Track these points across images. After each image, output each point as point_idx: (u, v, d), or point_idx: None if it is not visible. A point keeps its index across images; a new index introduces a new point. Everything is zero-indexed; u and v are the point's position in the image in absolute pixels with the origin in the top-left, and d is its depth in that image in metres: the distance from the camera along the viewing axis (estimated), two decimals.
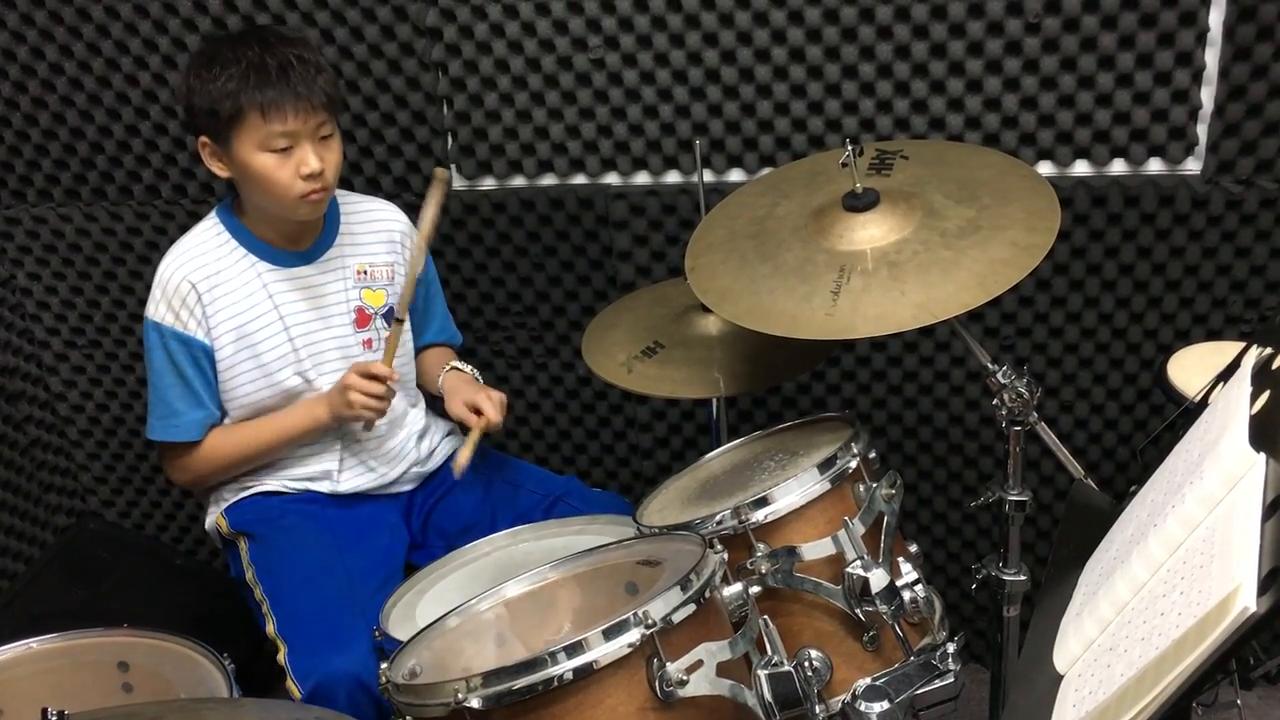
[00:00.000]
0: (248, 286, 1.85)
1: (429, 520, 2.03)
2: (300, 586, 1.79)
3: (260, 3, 2.18)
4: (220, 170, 1.80)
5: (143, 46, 2.25)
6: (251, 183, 1.78)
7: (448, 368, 2.03)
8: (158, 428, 1.88)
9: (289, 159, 1.75)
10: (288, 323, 1.88)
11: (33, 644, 1.62)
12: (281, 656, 1.70)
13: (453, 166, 2.27)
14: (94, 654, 1.62)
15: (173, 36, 2.23)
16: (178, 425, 1.87)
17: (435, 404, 2.09)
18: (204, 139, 1.78)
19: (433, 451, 2.06)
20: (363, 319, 1.94)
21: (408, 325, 1.98)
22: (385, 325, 1.97)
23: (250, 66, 1.71)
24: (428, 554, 1.93)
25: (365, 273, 1.95)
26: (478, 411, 1.90)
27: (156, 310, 1.84)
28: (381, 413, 1.84)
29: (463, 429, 1.95)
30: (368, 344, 1.95)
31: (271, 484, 1.95)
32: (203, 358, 1.85)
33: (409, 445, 2.01)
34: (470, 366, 2.04)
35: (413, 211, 2.06)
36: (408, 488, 2.04)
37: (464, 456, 1.83)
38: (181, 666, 1.57)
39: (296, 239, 1.89)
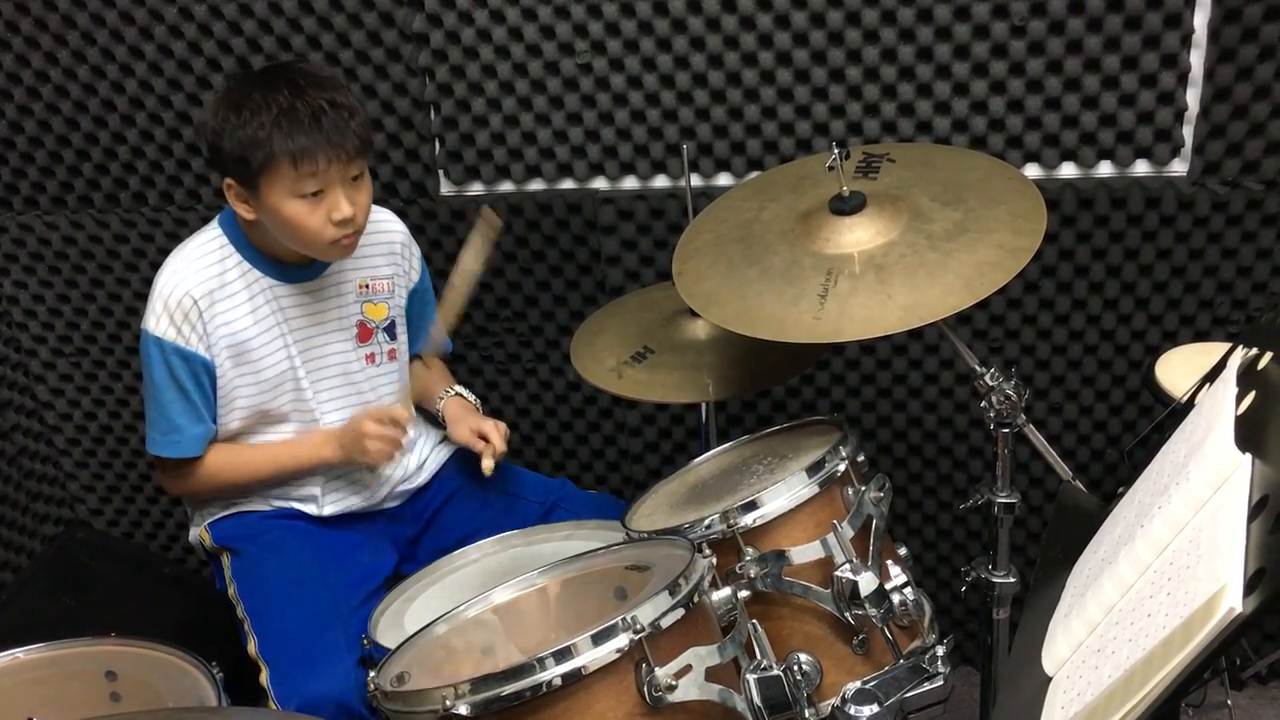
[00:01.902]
0: (251, 302, 1.82)
1: (422, 537, 2.02)
2: (281, 607, 1.77)
3: (247, 9, 2.17)
4: (246, 212, 1.75)
5: (128, 53, 2.24)
6: (280, 227, 1.74)
7: (451, 393, 2.01)
8: (160, 443, 1.84)
9: (320, 205, 1.70)
10: (289, 339, 1.85)
11: (19, 654, 1.61)
12: (264, 678, 1.69)
13: (440, 172, 2.27)
14: (81, 663, 1.61)
15: (158, 43, 2.22)
16: (180, 441, 1.83)
17: (425, 415, 2.08)
18: (229, 182, 1.73)
19: (421, 465, 2.03)
20: (364, 333, 1.93)
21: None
22: (387, 339, 1.95)
23: (281, 113, 1.66)
24: (418, 567, 1.92)
25: (367, 287, 1.92)
26: (483, 438, 1.91)
27: (158, 324, 1.78)
28: (393, 458, 1.84)
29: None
30: (370, 359, 1.93)
31: (257, 504, 1.93)
32: (203, 373, 1.81)
33: (393, 463, 1.97)
34: (473, 395, 2.03)
35: (399, 217, 2.06)
36: (393, 504, 2.02)
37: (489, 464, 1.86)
38: (169, 675, 1.56)
39: (300, 255, 1.84)
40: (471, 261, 1.79)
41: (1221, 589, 0.82)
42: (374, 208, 1.96)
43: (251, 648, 1.75)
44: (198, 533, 1.95)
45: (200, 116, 1.77)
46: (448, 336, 1.95)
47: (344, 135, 1.69)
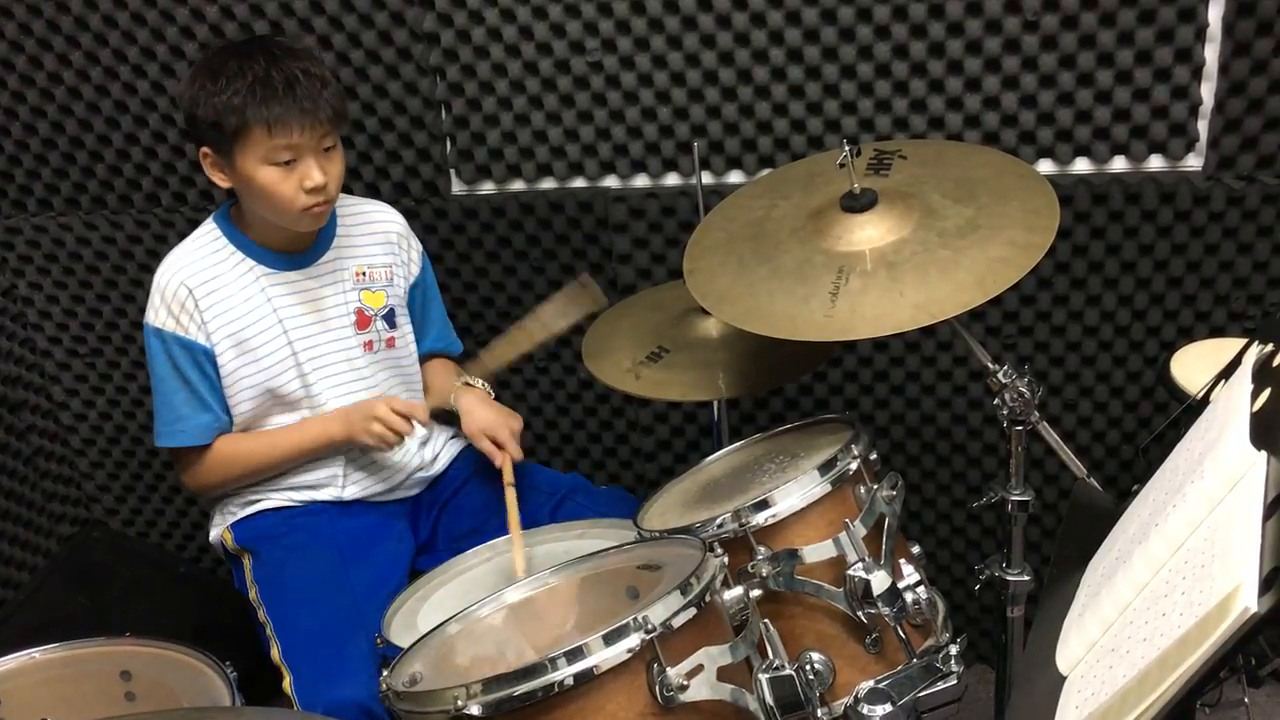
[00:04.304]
0: (245, 291, 1.85)
1: (438, 524, 2.03)
2: (304, 611, 1.78)
3: (257, 9, 2.18)
4: (221, 180, 1.80)
5: (140, 55, 2.25)
6: (254, 195, 1.78)
7: (461, 383, 2.03)
8: (165, 434, 1.88)
9: (292, 172, 1.75)
10: (287, 326, 1.88)
11: (35, 654, 1.62)
12: (287, 684, 1.69)
13: (452, 171, 2.27)
14: (97, 663, 1.62)
15: (170, 44, 2.23)
16: (184, 430, 1.87)
17: (438, 413, 2.08)
18: (205, 149, 1.78)
19: (436, 456, 2.06)
20: (363, 321, 1.94)
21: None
22: (386, 327, 1.96)
23: (256, 81, 1.70)
24: (435, 558, 1.92)
25: (364, 274, 1.95)
26: (498, 444, 1.91)
27: (156, 316, 1.83)
28: (392, 448, 1.86)
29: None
30: (368, 346, 1.95)
31: (278, 499, 1.94)
32: (205, 361, 1.84)
33: (411, 453, 2.01)
34: (484, 382, 2.04)
35: (410, 218, 2.06)
36: (413, 492, 2.04)
37: (520, 558, 1.76)
38: (184, 675, 1.57)
39: (294, 243, 1.89)
40: (553, 317, 1.82)
41: (1236, 588, 0.82)
42: (371, 201, 2.02)
43: (275, 653, 1.75)
44: (219, 533, 1.96)
45: (178, 88, 1.82)
46: (493, 371, 1.99)
47: (317, 104, 1.73)
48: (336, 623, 1.74)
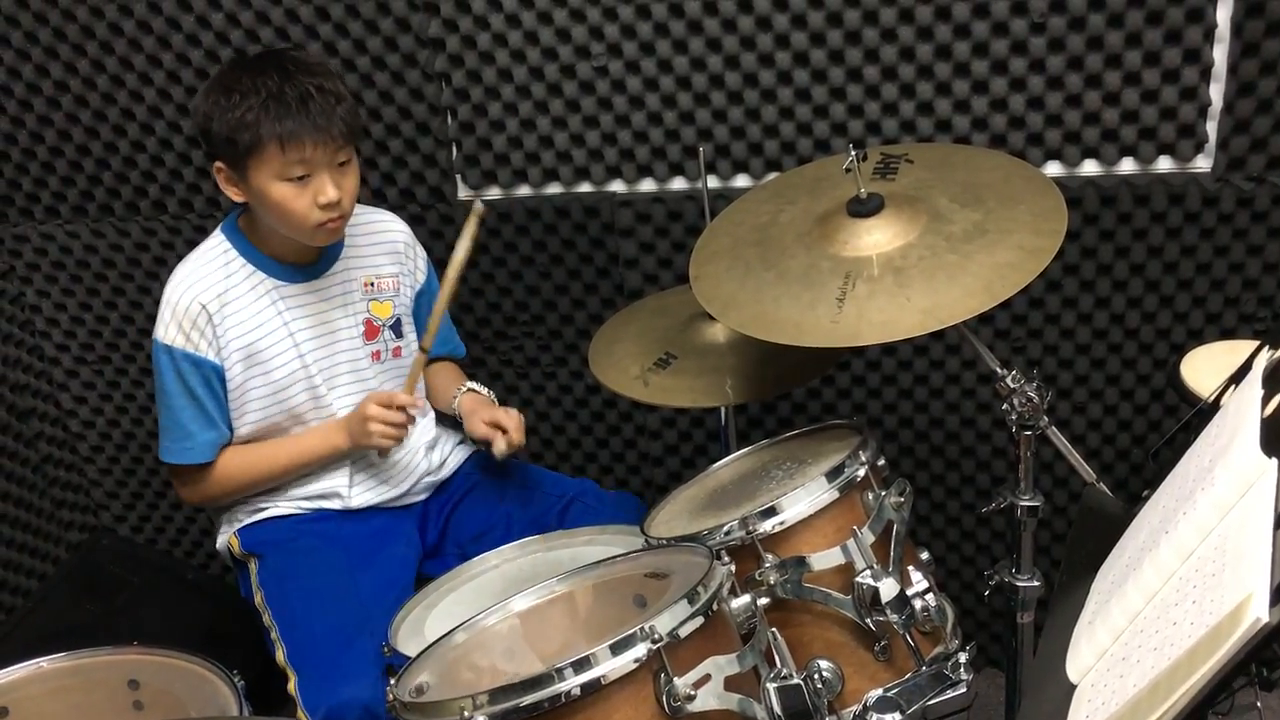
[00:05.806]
0: (257, 304, 1.85)
1: (446, 528, 2.03)
2: (310, 614, 1.78)
3: (263, 17, 2.18)
4: (235, 195, 1.79)
5: (147, 62, 2.26)
6: (268, 210, 1.77)
7: (464, 389, 2.03)
8: (172, 450, 1.87)
9: (306, 188, 1.74)
10: (298, 339, 1.88)
11: (44, 663, 1.62)
12: (291, 686, 1.70)
13: (458, 177, 2.27)
14: (104, 672, 1.62)
15: (176, 51, 2.23)
16: (191, 448, 1.86)
17: (445, 418, 2.09)
18: (219, 165, 1.77)
19: (444, 460, 2.06)
20: (371, 331, 1.95)
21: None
22: (393, 336, 1.97)
23: (270, 97, 1.70)
24: (443, 562, 1.92)
25: (372, 285, 1.95)
26: (499, 428, 1.91)
27: (167, 332, 1.82)
28: (400, 440, 1.85)
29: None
30: (376, 356, 1.95)
31: (284, 507, 1.94)
32: (214, 378, 1.84)
33: (419, 457, 2.00)
34: (487, 389, 2.04)
35: (417, 223, 2.06)
36: (421, 497, 2.04)
37: (501, 447, 1.88)
38: (192, 684, 1.57)
39: (304, 255, 1.88)
40: (464, 252, 1.81)
41: (1247, 598, 0.81)
42: (376, 209, 2.02)
43: (280, 656, 1.76)
44: (225, 539, 1.96)
45: (193, 102, 1.84)
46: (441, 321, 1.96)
47: (330, 120, 1.72)
48: (342, 625, 1.74)
